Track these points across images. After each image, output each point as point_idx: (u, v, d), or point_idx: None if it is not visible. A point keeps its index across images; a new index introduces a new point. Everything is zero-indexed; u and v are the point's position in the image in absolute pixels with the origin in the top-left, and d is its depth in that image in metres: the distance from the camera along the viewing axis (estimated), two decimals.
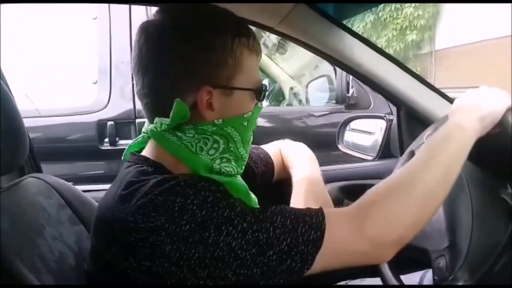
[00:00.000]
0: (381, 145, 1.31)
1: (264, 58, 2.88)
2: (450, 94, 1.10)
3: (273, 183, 1.00)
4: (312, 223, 0.57)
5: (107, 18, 2.09)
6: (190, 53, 0.61)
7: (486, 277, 0.63)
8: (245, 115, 0.66)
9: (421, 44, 8.95)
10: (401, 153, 1.19)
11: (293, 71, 3.24)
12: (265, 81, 3.00)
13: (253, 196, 0.72)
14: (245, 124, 0.66)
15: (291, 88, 3.00)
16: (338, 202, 1.13)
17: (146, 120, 0.70)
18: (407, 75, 1.10)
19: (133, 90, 2.08)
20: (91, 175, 2.15)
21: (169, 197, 0.54)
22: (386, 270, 0.80)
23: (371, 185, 0.63)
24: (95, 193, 1.03)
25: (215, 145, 0.64)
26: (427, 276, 0.95)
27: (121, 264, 0.55)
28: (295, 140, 1.03)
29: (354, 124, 1.49)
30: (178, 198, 0.54)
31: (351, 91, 2.42)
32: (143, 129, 0.70)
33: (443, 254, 0.71)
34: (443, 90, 1.11)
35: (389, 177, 0.63)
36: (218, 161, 0.64)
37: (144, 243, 0.53)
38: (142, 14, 2.08)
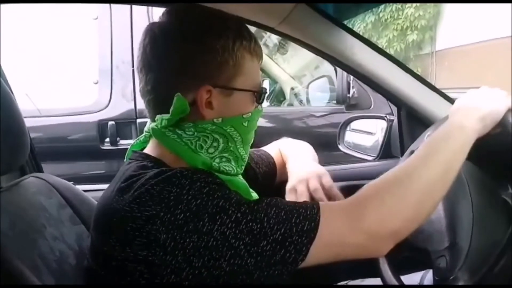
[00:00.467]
0: (381, 146, 1.31)
1: (265, 58, 2.86)
2: (450, 95, 1.10)
3: (277, 183, 1.00)
4: (306, 215, 0.57)
5: (108, 18, 2.10)
6: (191, 53, 0.63)
7: (486, 277, 0.63)
8: (244, 116, 0.67)
9: (421, 44, 8.95)
10: (402, 154, 1.19)
11: (294, 71, 3.24)
12: (266, 81, 3.01)
13: (254, 195, 0.72)
14: (245, 124, 0.67)
15: (292, 89, 3.01)
16: None
17: (147, 120, 0.71)
18: (407, 75, 1.10)
19: (133, 91, 2.08)
20: (92, 175, 2.15)
21: (165, 187, 0.55)
22: (386, 270, 0.80)
23: None
24: (95, 192, 1.03)
25: (214, 144, 0.65)
26: (428, 277, 0.95)
27: (118, 255, 0.56)
28: None
29: (354, 125, 1.49)
30: (174, 188, 0.55)
31: (351, 91, 2.42)
32: (145, 128, 0.72)
33: (444, 255, 0.71)
34: (443, 91, 1.11)
35: (387, 173, 0.63)
36: (217, 160, 0.65)
37: (140, 232, 0.54)
38: (143, 14, 2.10)
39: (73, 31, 2.12)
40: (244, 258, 0.54)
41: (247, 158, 0.71)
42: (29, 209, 0.78)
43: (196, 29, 0.64)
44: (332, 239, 0.57)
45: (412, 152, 0.88)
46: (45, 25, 2.07)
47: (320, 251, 0.57)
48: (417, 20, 8.55)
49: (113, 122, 2.06)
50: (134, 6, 2.09)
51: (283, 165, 0.98)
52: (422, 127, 1.02)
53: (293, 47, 3.29)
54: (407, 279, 0.94)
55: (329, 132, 2.22)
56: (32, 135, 0.89)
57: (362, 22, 9.35)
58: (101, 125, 2.07)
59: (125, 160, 0.72)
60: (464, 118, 0.67)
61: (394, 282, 0.78)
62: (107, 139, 2.08)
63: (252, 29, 0.75)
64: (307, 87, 2.84)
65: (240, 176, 0.72)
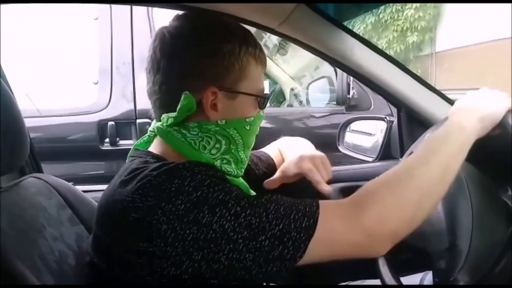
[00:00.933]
0: (381, 147, 1.31)
1: None
2: (450, 96, 1.10)
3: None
4: (305, 211, 0.58)
5: (108, 19, 2.10)
6: (199, 56, 0.66)
7: (486, 278, 0.63)
8: (247, 120, 0.69)
9: (421, 45, 8.96)
10: (402, 155, 1.19)
11: (293, 72, 3.24)
12: (266, 82, 3.00)
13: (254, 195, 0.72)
14: (247, 128, 0.69)
15: (292, 89, 3.00)
16: None
17: (147, 120, 0.72)
18: (407, 76, 1.10)
19: (134, 91, 2.08)
20: (92, 175, 2.15)
21: (167, 178, 0.56)
22: (386, 271, 0.80)
23: None
24: (95, 193, 1.03)
25: (217, 145, 0.67)
26: (427, 278, 0.95)
27: (120, 247, 0.57)
28: None
29: (354, 126, 1.49)
30: (176, 180, 0.56)
31: (351, 92, 2.42)
32: (150, 128, 0.73)
33: (443, 256, 0.71)
34: (443, 92, 1.11)
35: (386, 172, 0.64)
36: (219, 161, 0.67)
37: (142, 223, 0.55)
38: (144, 15, 2.10)
39: (73, 32, 2.12)
40: (242, 253, 0.55)
41: (246, 161, 0.72)
42: (29, 209, 0.78)
43: (204, 34, 0.67)
44: (330, 237, 0.57)
45: (411, 153, 0.88)
46: (45, 25, 2.07)
47: (318, 248, 0.57)
48: (417, 21, 8.57)
49: (113, 123, 2.06)
50: (134, 7, 2.10)
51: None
52: (422, 128, 1.02)
53: (293, 48, 3.29)
54: (407, 280, 0.94)
55: (329, 133, 2.22)
56: (32, 135, 0.90)
57: (362, 23, 9.36)
58: (101, 125, 2.07)
59: (127, 159, 0.72)
60: (464, 119, 0.68)
61: (394, 283, 0.78)
62: (107, 140, 2.08)
63: (252, 29, 0.76)
64: (307, 88, 2.84)
65: (240, 178, 0.72)
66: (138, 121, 2.06)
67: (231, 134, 0.67)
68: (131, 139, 2.07)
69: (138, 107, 2.07)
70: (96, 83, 2.11)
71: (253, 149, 0.76)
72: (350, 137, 1.48)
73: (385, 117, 1.34)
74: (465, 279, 0.64)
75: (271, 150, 1.01)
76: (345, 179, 1.25)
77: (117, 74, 2.09)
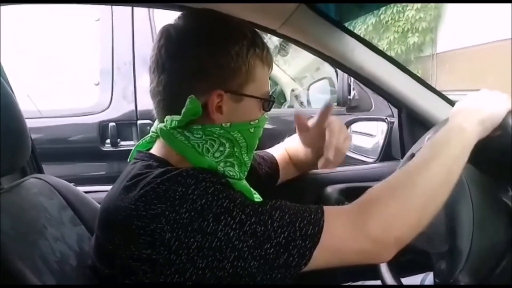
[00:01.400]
0: (382, 148, 1.31)
1: None
2: (451, 97, 1.10)
3: (279, 184, 1.00)
4: (310, 219, 0.57)
5: (109, 20, 2.10)
6: (206, 57, 0.64)
7: (487, 279, 0.63)
8: (251, 122, 0.68)
9: (422, 46, 8.95)
10: (402, 156, 1.19)
11: (294, 73, 3.24)
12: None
13: (257, 196, 0.72)
14: (252, 131, 0.68)
15: (293, 90, 3.00)
16: (339, 204, 1.13)
17: (148, 121, 0.71)
18: (408, 77, 1.10)
19: (135, 92, 2.08)
20: (93, 176, 2.15)
21: (171, 186, 0.55)
22: (387, 272, 0.80)
23: None
24: (96, 194, 1.04)
25: (221, 148, 0.65)
26: (428, 279, 0.95)
27: (122, 253, 0.56)
28: None
29: (355, 127, 1.49)
30: (180, 188, 0.55)
31: (352, 93, 2.41)
32: (152, 129, 0.72)
33: (444, 257, 0.71)
34: (444, 93, 1.11)
35: (389, 177, 0.64)
36: (222, 164, 0.66)
37: (145, 231, 0.54)
38: (145, 16, 2.10)
39: (74, 33, 2.12)
40: (247, 261, 0.54)
41: (250, 164, 0.72)
42: (30, 210, 0.79)
43: (211, 34, 0.65)
44: (335, 245, 0.57)
45: (412, 154, 0.88)
46: (46, 26, 2.07)
47: (323, 255, 0.57)
48: (418, 22, 8.56)
49: (114, 124, 2.06)
50: (135, 8, 2.10)
51: (288, 164, 0.98)
52: (423, 129, 1.02)
53: (293, 49, 3.29)
54: (408, 281, 0.94)
55: None
56: (33, 136, 0.90)
57: (363, 24, 9.36)
58: (102, 126, 2.07)
59: (129, 159, 0.72)
60: (465, 120, 0.68)
61: (394, 284, 0.78)
62: (108, 141, 2.07)
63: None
64: (308, 89, 2.84)
65: (244, 180, 0.72)
66: (139, 122, 2.06)
67: (235, 137, 0.66)
68: (132, 140, 2.07)
69: (139, 108, 2.07)
70: (97, 84, 2.11)
71: (256, 149, 0.76)
72: None
73: (386, 118, 1.34)
74: (466, 280, 0.64)
75: (277, 150, 1.01)
76: (346, 180, 1.25)
77: (118, 75, 2.09)
